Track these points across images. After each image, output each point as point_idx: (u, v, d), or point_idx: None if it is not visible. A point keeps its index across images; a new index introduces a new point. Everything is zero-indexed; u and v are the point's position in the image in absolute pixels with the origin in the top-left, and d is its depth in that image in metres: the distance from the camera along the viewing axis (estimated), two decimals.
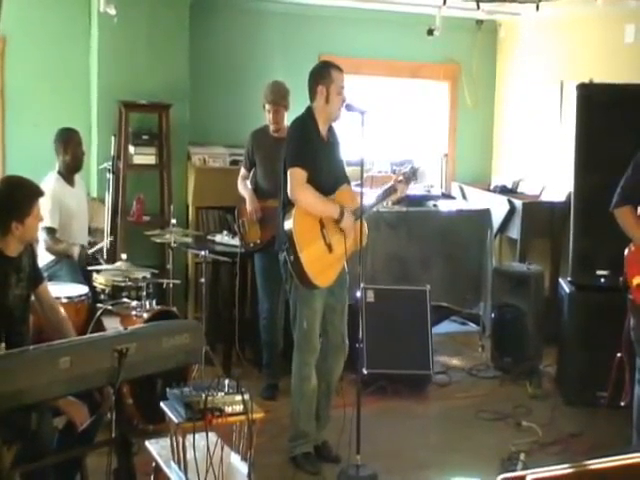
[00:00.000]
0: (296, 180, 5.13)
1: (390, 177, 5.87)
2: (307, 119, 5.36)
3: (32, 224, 4.41)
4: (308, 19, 8.52)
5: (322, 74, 5.33)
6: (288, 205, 5.21)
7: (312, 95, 5.36)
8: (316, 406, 5.51)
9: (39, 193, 4.48)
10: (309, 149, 5.21)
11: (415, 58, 9.00)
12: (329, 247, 5.24)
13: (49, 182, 6.37)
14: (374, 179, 5.78)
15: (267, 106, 6.59)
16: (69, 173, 6.59)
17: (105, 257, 6.63)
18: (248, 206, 6.63)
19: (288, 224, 5.16)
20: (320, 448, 5.58)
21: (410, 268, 7.49)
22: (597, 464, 2.75)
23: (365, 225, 5.35)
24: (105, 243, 6.67)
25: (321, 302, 5.34)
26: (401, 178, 5.62)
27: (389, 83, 9.23)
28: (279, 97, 6.57)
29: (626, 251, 5.35)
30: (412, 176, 5.70)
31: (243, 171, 6.84)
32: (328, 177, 5.31)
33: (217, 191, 7.70)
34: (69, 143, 6.57)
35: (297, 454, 5.44)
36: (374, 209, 5.75)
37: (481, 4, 7.17)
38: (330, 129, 5.45)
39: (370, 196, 5.50)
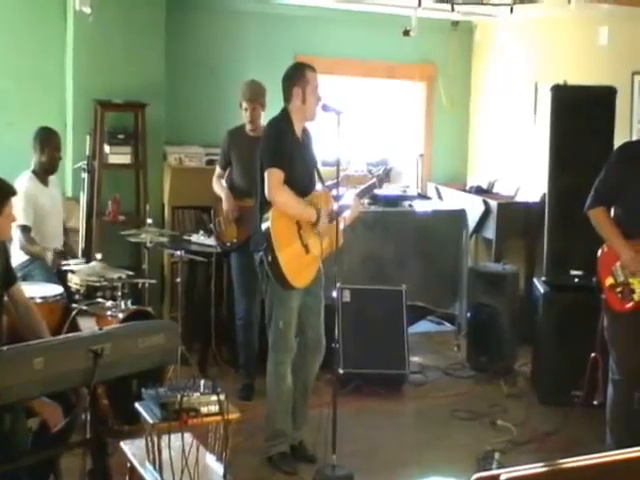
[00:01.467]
0: (274, 181, 5.14)
1: (366, 177, 5.90)
2: (283, 120, 5.38)
3: (3, 224, 4.37)
4: (284, 19, 8.51)
5: (297, 75, 5.35)
6: (265, 206, 5.23)
7: (287, 96, 5.37)
8: (293, 405, 5.52)
9: (11, 192, 4.44)
10: (285, 150, 5.22)
11: (391, 58, 9.01)
12: (306, 248, 5.27)
13: (22, 181, 6.34)
14: (350, 179, 5.79)
15: (244, 104, 6.60)
16: (43, 173, 6.56)
17: (80, 257, 6.60)
18: (224, 205, 6.62)
19: (266, 225, 5.17)
20: (296, 448, 5.58)
21: (386, 268, 7.50)
22: (571, 463, 2.77)
23: (341, 226, 5.37)
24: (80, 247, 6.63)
25: (297, 302, 5.35)
26: (374, 180, 5.69)
27: (365, 83, 9.23)
28: (256, 95, 6.58)
29: (599, 252, 5.39)
30: (385, 177, 5.77)
31: (218, 170, 6.83)
32: (303, 177, 5.34)
33: (193, 191, 7.67)
34: (47, 144, 6.55)
35: (273, 454, 5.44)
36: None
37: (456, 6, 7.17)
38: (304, 130, 5.47)
39: (347, 197, 5.52)
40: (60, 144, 6.69)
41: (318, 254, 5.31)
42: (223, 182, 6.76)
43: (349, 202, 5.49)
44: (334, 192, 5.37)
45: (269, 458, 5.45)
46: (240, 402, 6.03)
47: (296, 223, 5.25)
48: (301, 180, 5.29)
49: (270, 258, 5.12)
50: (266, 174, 5.17)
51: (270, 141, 5.32)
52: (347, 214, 5.48)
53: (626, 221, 5.25)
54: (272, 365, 5.42)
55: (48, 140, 6.57)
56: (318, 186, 5.48)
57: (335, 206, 5.34)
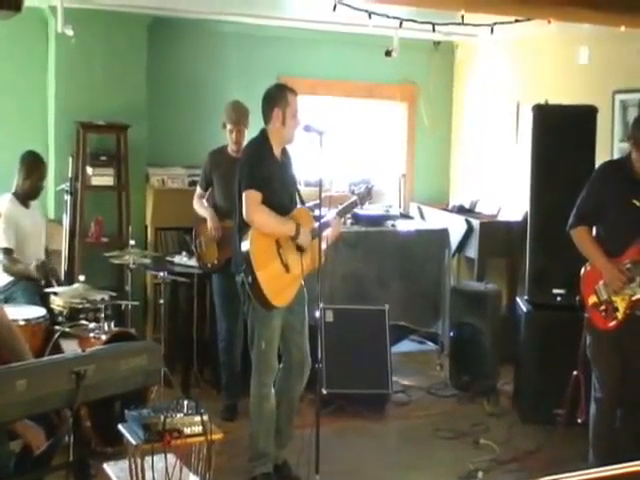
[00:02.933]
0: (250, 202, 5.15)
1: (347, 197, 5.92)
2: (261, 142, 5.39)
3: None
4: (266, 40, 8.53)
5: (278, 97, 5.36)
6: (244, 227, 5.23)
7: (267, 118, 5.38)
8: (278, 424, 5.50)
9: None
10: (264, 171, 5.23)
11: (373, 79, 9.06)
12: (286, 267, 5.26)
13: (3, 203, 6.36)
14: (332, 199, 5.80)
15: (229, 126, 6.59)
16: (24, 199, 6.56)
17: (62, 279, 6.59)
18: (209, 223, 6.60)
19: (245, 245, 5.17)
20: (280, 467, 5.57)
21: (369, 287, 7.50)
22: None
23: (324, 244, 5.39)
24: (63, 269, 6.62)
25: (279, 321, 5.35)
26: (355, 198, 5.73)
27: (347, 103, 9.27)
28: (241, 117, 6.59)
29: (582, 270, 5.42)
30: (367, 195, 5.80)
31: (199, 190, 6.83)
32: (283, 197, 5.35)
33: (176, 212, 7.68)
34: (32, 172, 6.56)
35: (257, 474, 5.42)
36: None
37: (437, 26, 7.23)
38: (284, 151, 5.49)
39: (328, 216, 5.53)
40: (45, 173, 6.71)
41: (299, 273, 5.31)
42: (204, 202, 6.76)
43: (330, 220, 5.50)
44: (316, 212, 5.38)
45: (252, 478, 5.44)
46: (223, 423, 6.01)
47: (275, 242, 5.25)
48: (281, 201, 5.30)
49: (250, 279, 5.11)
50: (244, 195, 5.18)
51: (248, 162, 5.32)
52: (328, 232, 5.49)
53: (608, 240, 5.29)
54: (255, 387, 5.40)
55: (34, 168, 6.58)
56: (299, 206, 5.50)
57: (316, 224, 5.36)
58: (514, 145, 8.49)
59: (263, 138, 5.40)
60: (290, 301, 5.33)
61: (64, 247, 7.16)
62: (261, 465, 5.43)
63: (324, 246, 5.39)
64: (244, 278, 5.16)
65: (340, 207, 5.66)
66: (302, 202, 5.55)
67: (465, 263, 8.83)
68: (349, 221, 7.63)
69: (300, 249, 5.29)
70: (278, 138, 5.38)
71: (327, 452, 5.34)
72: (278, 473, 5.53)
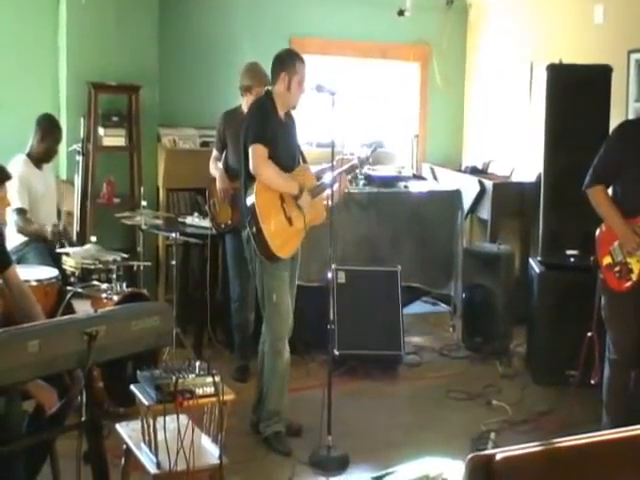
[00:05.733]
0: (258, 156, 5.22)
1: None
2: (266, 101, 5.48)
3: None
4: (277, 0, 8.48)
5: (287, 62, 5.44)
6: (249, 181, 5.31)
7: (274, 79, 5.48)
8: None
9: (6, 177, 4.43)
10: (269, 128, 5.30)
11: (385, 39, 8.99)
12: (289, 220, 5.36)
13: (17, 164, 6.34)
14: (344, 160, 5.79)
15: (255, 90, 6.42)
16: (38, 160, 6.56)
17: (75, 240, 6.59)
18: (218, 184, 6.61)
19: (250, 199, 5.26)
20: (289, 427, 5.60)
21: (381, 249, 7.49)
22: (567, 442, 2.77)
23: (323, 202, 5.51)
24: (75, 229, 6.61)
25: (287, 273, 5.44)
26: (355, 161, 5.84)
27: (359, 64, 9.21)
28: (263, 77, 6.47)
29: (597, 231, 5.38)
30: (366, 160, 5.95)
31: (215, 152, 6.81)
32: (286, 156, 5.43)
33: (187, 173, 7.68)
34: (48, 136, 6.56)
35: (269, 434, 5.45)
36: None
37: None
38: (288, 114, 5.57)
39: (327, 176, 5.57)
40: (60, 138, 6.72)
41: (301, 227, 5.40)
42: (219, 164, 6.73)
43: (331, 181, 5.49)
44: (327, 174, 5.45)
45: (265, 438, 5.46)
46: (235, 383, 6.04)
47: (279, 196, 5.34)
48: (283, 159, 5.37)
49: (255, 230, 5.21)
50: (250, 149, 5.24)
51: (254, 119, 5.41)
52: (334, 189, 5.47)
53: (625, 200, 5.24)
54: (269, 342, 5.44)
55: (50, 132, 6.59)
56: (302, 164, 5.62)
57: (317, 182, 5.51)
58: (528, 105, 8.42)
59: (268, 98, 5.50)
60: (293, 253, 5.44)
61: (76, 208, 7.17)
62: (272, 424, 5.46)
63: (331, 202, 5.41)
64: (249, 230, 5.23)
65: (340, 169, 5.65)
66: (305, 162, 5.67)
67: (478, 224, 8.80)
68: (361, 182, 7.61)
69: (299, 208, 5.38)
70: (282, 101, 5.46)
71: (339, 413, 5.36)
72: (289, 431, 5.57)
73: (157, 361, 5.52)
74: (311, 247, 6.12)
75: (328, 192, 5.48)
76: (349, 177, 6.25)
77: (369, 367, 6.74)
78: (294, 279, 5.63)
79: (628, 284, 5.18)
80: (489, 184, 8.12)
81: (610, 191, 5.37)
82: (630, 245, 5.15)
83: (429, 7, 8.78)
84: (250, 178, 5.29)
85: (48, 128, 6.59)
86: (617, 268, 5.23)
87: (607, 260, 5.29)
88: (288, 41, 8.30)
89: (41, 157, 6.58)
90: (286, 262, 5.39)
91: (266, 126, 5.30)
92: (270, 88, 5.52)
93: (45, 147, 6.56)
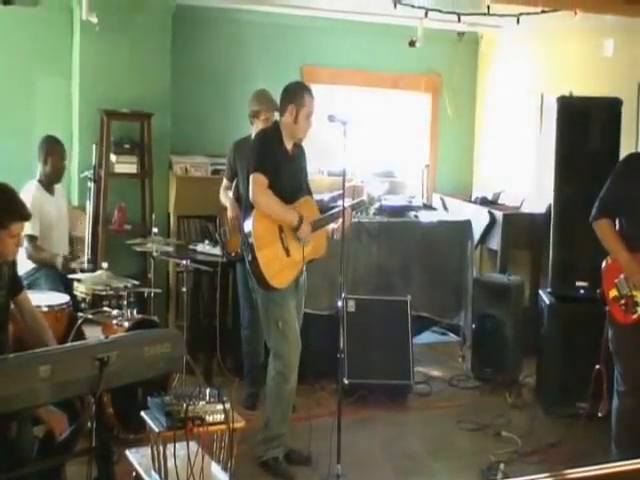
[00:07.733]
0: (257, 184, 5.25)
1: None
2: (273, 132, 5.53)
3: (8, 244, 4.27)
4: (291, 29, 8.54)
5: (296, 95, 5.48)
6: (249, 209, 5.33)
7: (282, 110, 5.52)
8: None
9: (26, 216, 4.36)
10: (271, 159, 5.33)
11: (397, 69, 9.05)
12: (287, 251, 5.35)
13: (29, 190, 6.38)
14: (356, 189, 5.83)
15: (263, 115, 6.52)
16: (48, 183, 6.60)
17: (86, 266, 6.61)
18: (229, 212, 6.63)
19: (248, 225, 5.28)
20: (289, 453, 5.59)
21: (391, 278, 7.49)
22: (576, 473, 2.76)
23: (325, 236, 5.56)
24: (86, 256, 6.62)
25: (293, 301, 5.45)
26: (364, 198, 5.92)
27: (371, 94, 9.26)
28: (270, 103, 6.53)
29: (603, 264, 5.38)
30: (371, 203, 6.01)
31: (225, 182, 6.84)
32: (288, 189, 5.42)
33: (199, 200, 7.70)
34: (51, 154, 6.60)
35: (268, 458, 5.44)
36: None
37: (462, 17, 7.20)
38: (298, 146, 5.60)
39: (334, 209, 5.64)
40: (64, 153, 6.73)
41: (299, 259, 5.39)
42: (229, 193, 6.75)
43: (338, 212, 5.50)
44: (339, 202, 5.44)
45: (263, 462, 5.45)
46: (245, 411, 6.04)
47: (278, 226, 5.34)
48: (285, 190, 5.38)
49: (250, 257, 5.22)
50: (251, 177, 5.28)
51: (257, 148, 5.47)
52: (339, 224, 5.49)
53: (630, 233, 5.25)
54: (277, 369, 5.44)
55: (52, 149, 6.62)
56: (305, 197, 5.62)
57: (319, 216, 5.54)
58: (538, 137, 8.44)
59: (274, 128, 5.55)
60: (288, 284, 5.39)
61: (87, 234, 7.18)
62: (274, 448, 5.45)
63: (336, 236, 5.46)
64: (245, 256, 5.28)
65: (348, 204, 5.68)
66: (310, 195, 5.68)
67: (488, 255, 8.80)
68: (372, 212, 7.62)
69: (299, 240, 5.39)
70: (289, 132, 5.49)
71: (348, 442, 5.35)
72: (288, 459, 5.56)
73: (167, 387, 5.53)
74: (321, 276, 6.13)
75: (331, 226, 5.51)
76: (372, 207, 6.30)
77: (379, 396, 6.72)
78: (300, 307, 5.65)
79: (634, 317, 5.18)
80: (499, 215, 8.13)
81: (617, 224, 5.38)
82: (636, 278, 5.15)
83: (440, 38, 8.83)
84: (251, 206, 5.31)
85: (49, 147, 6.63)
86: (623, 301, 5.22)
87: (613, 293, 5.29)
88: (300, 71, 8.37)
89: (51, 178, 6.61)
90: (291, 290, 5.41)
91: (268, 156, 5.33)
92: (278, 119, 5.56)
93: (51, 166, 6.60)
